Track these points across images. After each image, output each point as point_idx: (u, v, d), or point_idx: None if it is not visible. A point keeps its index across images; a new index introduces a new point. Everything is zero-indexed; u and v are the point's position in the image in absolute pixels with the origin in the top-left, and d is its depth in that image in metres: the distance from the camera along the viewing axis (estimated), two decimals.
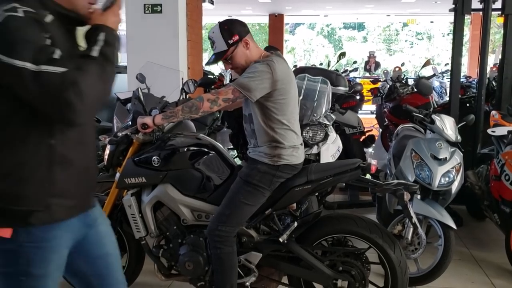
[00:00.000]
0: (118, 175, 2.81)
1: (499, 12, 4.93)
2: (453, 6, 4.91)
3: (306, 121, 3.38)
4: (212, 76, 7.53)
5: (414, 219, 2.72)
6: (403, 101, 6.89)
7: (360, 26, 30.07)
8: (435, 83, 9.70)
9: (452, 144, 3.48)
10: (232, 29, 2.48)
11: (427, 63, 8.28)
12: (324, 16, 17.63)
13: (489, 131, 4.18)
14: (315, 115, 3.41)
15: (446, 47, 28.57)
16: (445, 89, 11.28)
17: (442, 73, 10.86)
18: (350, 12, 16.90)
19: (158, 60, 4.71)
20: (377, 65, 14.11)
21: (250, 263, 2.67)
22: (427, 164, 3.33)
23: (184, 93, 3.51)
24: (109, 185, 3.64)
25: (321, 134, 3.39)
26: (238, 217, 2.54)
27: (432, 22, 24.91)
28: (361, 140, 5.70)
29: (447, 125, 3.44)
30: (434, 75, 8.24)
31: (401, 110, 6.89)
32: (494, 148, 4.33)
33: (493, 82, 6.55)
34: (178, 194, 2.70)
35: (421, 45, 30.33)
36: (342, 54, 7.31)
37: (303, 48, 29.99)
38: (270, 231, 2.71)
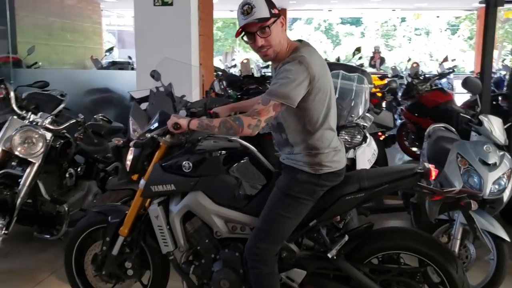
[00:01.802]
0: (143, 182, 2.53)
1: None
2: None
3: (342, 123, 3.10)
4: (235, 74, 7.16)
5: (480, 233, 2.43)
6: (423, 99, 6.64)
7: (357, 22, 29.81)
8: (442, 79, 9.43)
9: (499, 147, 3.20)
10: (273, 2, 2.20)
11: (445, 60, 8.01)
12: (328, 10, 17.32)
13: None
14: (352, 116, 3.13)
15: (444, 43, 28.49)
16: (452, 85, 11.07)
17: (449, 68, 10.63)
18: (355, 6, 16.60)
19: (168, 55, 4.41)
20: (382, 60, 13.80)
21: (293, 281, 2.39)
22: (476, 170, 3.05)
23: (212, 91, 3.19)
24: (125, 193, 3.36)
25: (359, 137, 3.11)
26: (278, 233, 2.26)
27: (438, 17, 24.60)
28: (381, 139, 5.42)
29: (495, 126, 3.16)
30: (452, 71, 7.96)
31: (421, 107, 6.73)
32: None
33: None
34: (211, 203, 2.43)
35: (419, 40, 30.12)
36: (358, 50, 7.00)
37: None
38: (314, 245, 2.43)
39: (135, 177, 3.30)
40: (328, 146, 2.24)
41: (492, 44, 4.72)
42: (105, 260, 2.66)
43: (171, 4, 5.00)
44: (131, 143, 2.54)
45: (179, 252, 2.53)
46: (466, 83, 3.20)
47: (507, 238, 2.90)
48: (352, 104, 3.12)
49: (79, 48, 11.94)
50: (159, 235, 2.51)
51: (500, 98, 5.90)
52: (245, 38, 2.23)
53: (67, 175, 3.88)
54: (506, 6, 4.64)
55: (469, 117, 3.19)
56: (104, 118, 4.52)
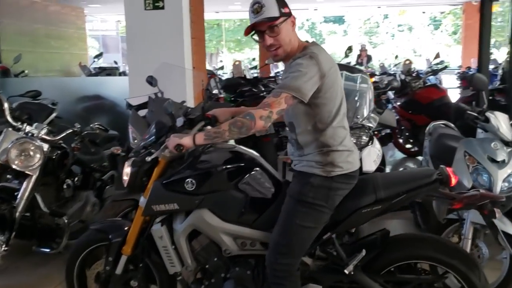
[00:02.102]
0: (143, 200, 2.40)
1: None
2: None
3: (348, 124, 3.02)
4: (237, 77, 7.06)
5: (503, 238, 2.38)
6: (416, 96, 6.64)
7: (340, 20, 29.91)
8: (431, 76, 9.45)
9: (506, 144, 3.17)
10: (284, 1, 2.16)
11: (437, 56, 8.02)
12: (314, 9, 17.28)
13: None
14: (358, 117, 3.07)
15: (427, 38, 28.71)
16: (440, 81, 11.11)
17: (437, 64, 10.66)
18: (341, 4, 16.59)
19: (161, 60, 4.32)
20: (369, 58, 13.77)
21: None
22: (485, 168, 3.01)
23: (207, 94, 3.10)
24: (127, 203, 3.26)
25: (366, 138, 3.06)
26: (300, 245, 2.17)
27: (424, 12, 24.75)
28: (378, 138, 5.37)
29: (502, 123, 3.12)
30: (445, 67, 7.96)
31: (415, 104, 6.72)
32: None
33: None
34: (218, 221, 2.30)
35: (403, 36, 30.31)
36: (349, 49, 6.97)
37: None
38: (327, 257, 2.33)
39: (146, 195, 3.20)
40: (341, 144, 2.16)
41: (489, 38, 4.73)
42: (109, 280, 2.54)
43: (162, 8, 4.91)
44: (128, 162, 2.41)
45: (187, 272, 2.41)
46: (473, 80, 3.17)
47: None
48: (357, 105, 3.07)
49: (65, 54, 11.77)
50: (165, 255, 2.39)
51: (494, 93, 5.90)
52: (255, 37, 2.19)
53: (64, 186, 3.79)
54: (501, 0, 4.63)
55: (475, 114, 3.15)
56: (101, 127, 4.42)
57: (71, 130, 3.60)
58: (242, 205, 2.30)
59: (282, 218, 2.19)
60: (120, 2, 4.99)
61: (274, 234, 2.19)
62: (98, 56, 8.38)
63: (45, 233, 3.51)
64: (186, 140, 2.10)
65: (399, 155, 7.38)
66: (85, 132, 3.92)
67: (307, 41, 2.23)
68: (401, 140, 7.18)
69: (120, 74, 9.82)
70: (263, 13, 2.09)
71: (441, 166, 2.28)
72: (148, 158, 2.30)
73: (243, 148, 2.54)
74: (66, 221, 3.52)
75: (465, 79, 9.45)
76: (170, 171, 2.39)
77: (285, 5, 2.14)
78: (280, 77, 5.04)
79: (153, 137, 2.46)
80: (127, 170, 2.46)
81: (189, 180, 2.29)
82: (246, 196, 2.31)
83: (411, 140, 7.08)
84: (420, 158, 7.26)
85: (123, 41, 22.13)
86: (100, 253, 2.68)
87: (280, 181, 2.41)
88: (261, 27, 2.13)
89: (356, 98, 3.08)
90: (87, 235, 2.63)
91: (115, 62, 12.07)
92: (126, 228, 2.50)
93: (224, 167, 2.34)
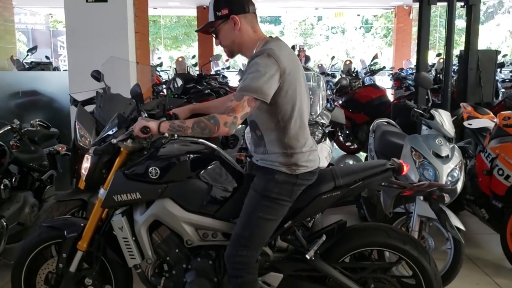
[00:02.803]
0: (103, 191, 2.34)
1: (462, 3, 4.90)
2: None
3: None
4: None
5: (451, 225, 2.49)
6: (356, 95, 6.83)
7: (276, 20, 30.27)
8: (362, 75, 9.79)
9: (449, 140, 3.32)
10: (225, 1, 2.16)
11: (375, 57, 8.29)
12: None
13: (465, 123, 4.10)
14: (312, 114, 3.10)
15: (359, 40, 29.77)
16: (373, 81, 11.52)
17: (371, 65, 11.06)
18: (279, 5, 16.77)
19: (104, 54, 4.16)
20: (307, 59, 14.02)
21: (270, 285, 2.32)
22: (431, 163, 3.15)
23: (170, 91, 3.02)
24: (74, 204, 3.12)
25: (319, 135, 3.11)
26: (260, 237, 2.19)
27: (358, 15, 25.54)
28: None
29: (445, 120, 3.27)
30: (384, 67, 8.25)
31: (355, 103, 6.92)
32: (471, 141, 4.28)
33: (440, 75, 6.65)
34: (180, 211, 2.29)
35: (336, 38, 31.19)
36: (293, 48, 7.07)
37: None
38: (287, 247, 2.38)
39: (82, 185, 3.08)
40: (305, 145, 2.19)
41: (428, 40, 4.94)
42: (62, 279, 2.44)
43: (105, 0, 4.74)
44: (91, 150, 2.33)
45: (146, 265, 2.36)
46: (419, 79, 3.29)
47: (463, 228, 3.01)
48: (311, 102, 3.10)
49: None
50: (125, 247, 2.34)
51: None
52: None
53: (1, 187, 3.54)
54: (439, 4, 4.86)
55: (421, 111, 3.28)
56: (42, 123, 4.18)
57: (9, 127, 3.39)
58: (204, 195, 2.30)
59: (244, 212, 2.20)
60: None
61: (237, 227, 2.20)
62: (32, 50, 7.96)
63: None
64: (152, 124, 2.11)
65: (339, 152, 7.58)
66: (25, 129, 3.70)
67: (270, 36, 2.22)
68: (341, 138, 7.37)
69: (54, 69, 9.38)
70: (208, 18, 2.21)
71: (393, 158, 2.38)
72: (114, 140, 2.26)
73: (205, 142, 2.54)
74: (5, 223, 3.31)
75: (398, 79, 9.88)
76: (130, 164, 2.34)
77: (222, 7, 2.16)
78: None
79: (115, 128, 2.39)
80: (85, 164, 2.40)
81: (152, 168, 2.27)
82: (208, 186, 2.31)
83: (351, 138, 7.29)
84: (359, 155, 7.52)
85: (55, 35, 21.22)
86: (49, 255, 2.56)
87: (242, 173, 2.43)
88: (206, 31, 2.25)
89: (310, 95, 3.11)
90: (38, 233, 2.49)
91: (47, 57, 11.53)
92: (82, 225, 2.43)
93: (188, 156, 2.34)
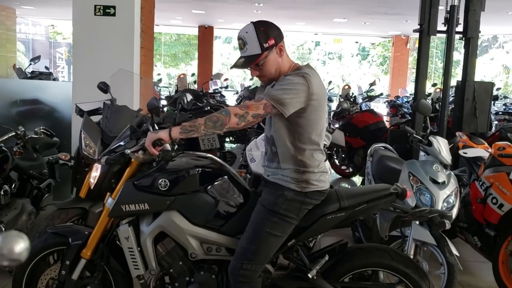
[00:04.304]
0: (111, 201, 2.37)
1: (461, 35, 5.03)
2: (419, 27, 4.95)
3: None
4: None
5: (451, 251, 2.55)
6: (353, 120, 6.92)
7: None
8: (360, 100, 9.93)
9: (445, 167, 3.40)
10: (268, 32, 2.18)
11: (373, 83, 8.44)
12: None
13: (461, 152, 4.18)
14: None
15: (355, 67, 30.14)
16: (369, 107, 11.67)
17: (368, 91, 11.23)
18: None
19: (109, 67, 4.23)
20: None
21: None
22: (428, 188, 3.22)
23: (180, 106, 3.10)
24: (75, 212, 3.14)
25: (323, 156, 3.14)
26: (265, 252, 2.24)
27: (357, 42, 25.90)
28: None
29: (443, 147, 3.36)
30: (381, 94, 8.38)
31: (352, 128, 7.01)
32: (466, 169, 4.36)
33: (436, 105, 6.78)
34: (187, 224, 2.33)
35: (333, 64, 31.56)
36: None
37: (220, 61, 29.90)
38: (288, 264, 2.42)
39: (83, 194, 3.11)
40: (317, 166, 2.25)
41: (426, 69, 5.06)
42: (63, 286, 2.45)
43: (114, 14, 4.83)
44: (102, 159, 2.38)
45: (149, 275, 2.39)
46: (419, 105, 3.38)
47: (457, 253, 3.07)
48: None
49: None
50: (129, 257, 2.37)
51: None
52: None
53: (1, 193, 3.56)
54: (438, 35, 5.00)
55: (420, 137, 3.36)
56: (46, 131, 4.22)
57: (14, 133, 3.42)
58: (211, 209, 2.35)
59: (252, 226, 2.24)
60: (56, 6, 4.90)
61: (243, 240, 2.24)
62: (35, 59, 8.01)
63: None
64: (163, 134, 2.13)
65: (334, 175, 7.64)
66: (29, 136, 3.74)
67: (302, 64, 2.29)
68: (336, 161, 7.44)
69: (54, 80, 9.42)
70: (246, 51, 2.18)
71: (396, 183, 2.45)
72: (127, 151, 2.31)
73: (213, 157, 2.61)
74: (3, 229, 3.32)
75: (394, 107, 10.02)
76: (139, 175, 2.39)
77: (268, 37, 2.17)
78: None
79: (127, 139, 2.44)
80: (94, 173, 2.45)
81: (162, 180, 2.31)
82: (215, 200, 2.36)
83: (347, 162, 7.36)
84: (354, 179, 7.58)
85: (54, 46, 21.30)
86: (48, 261, 2.57)
87: (248, 190, 2.48)
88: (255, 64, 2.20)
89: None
90: (43, 239, 2.52)
91: (46, 68, 11.59)
92: (86, 233, 2.45)
93: (197, 170, 2.39)
